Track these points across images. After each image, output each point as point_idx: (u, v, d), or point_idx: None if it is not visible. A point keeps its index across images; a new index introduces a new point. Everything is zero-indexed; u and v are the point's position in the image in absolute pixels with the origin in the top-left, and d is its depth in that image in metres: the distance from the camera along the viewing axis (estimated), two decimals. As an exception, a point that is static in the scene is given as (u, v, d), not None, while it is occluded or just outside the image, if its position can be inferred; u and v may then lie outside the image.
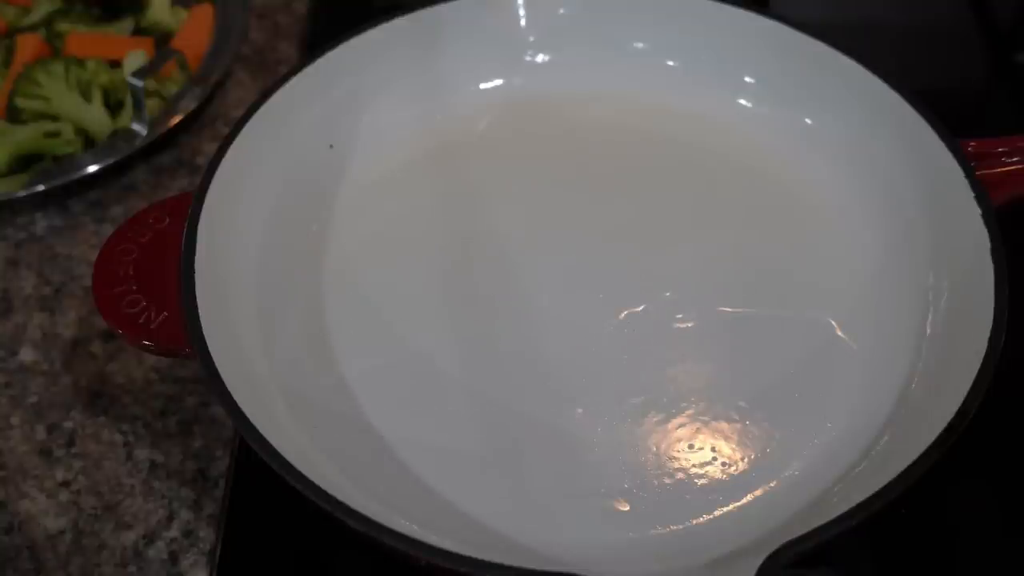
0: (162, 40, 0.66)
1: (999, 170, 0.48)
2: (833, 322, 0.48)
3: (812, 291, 0.50)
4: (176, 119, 0.61)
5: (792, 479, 0.43)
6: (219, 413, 0.50)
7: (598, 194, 0.53)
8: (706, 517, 0.42)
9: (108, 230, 0.58)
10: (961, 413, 0.39)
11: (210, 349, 0.41)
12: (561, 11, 0.58)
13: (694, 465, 0.44)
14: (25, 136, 0.59)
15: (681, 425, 0.45)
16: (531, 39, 0.58)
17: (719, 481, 0.43)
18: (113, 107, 0.62)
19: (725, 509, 0.43)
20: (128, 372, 0.52)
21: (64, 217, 0.59)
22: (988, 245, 0.44)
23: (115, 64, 0.63)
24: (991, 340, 0.41)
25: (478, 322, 0.48)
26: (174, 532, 0.47)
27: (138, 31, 0.67)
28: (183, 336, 0.41)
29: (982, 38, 0.70)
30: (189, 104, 0.62)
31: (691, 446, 0.44)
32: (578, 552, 0.41)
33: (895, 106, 0.50)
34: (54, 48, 0.64)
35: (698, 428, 0.45)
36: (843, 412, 0.45)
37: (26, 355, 0.53)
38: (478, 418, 0.45)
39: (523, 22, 0.58)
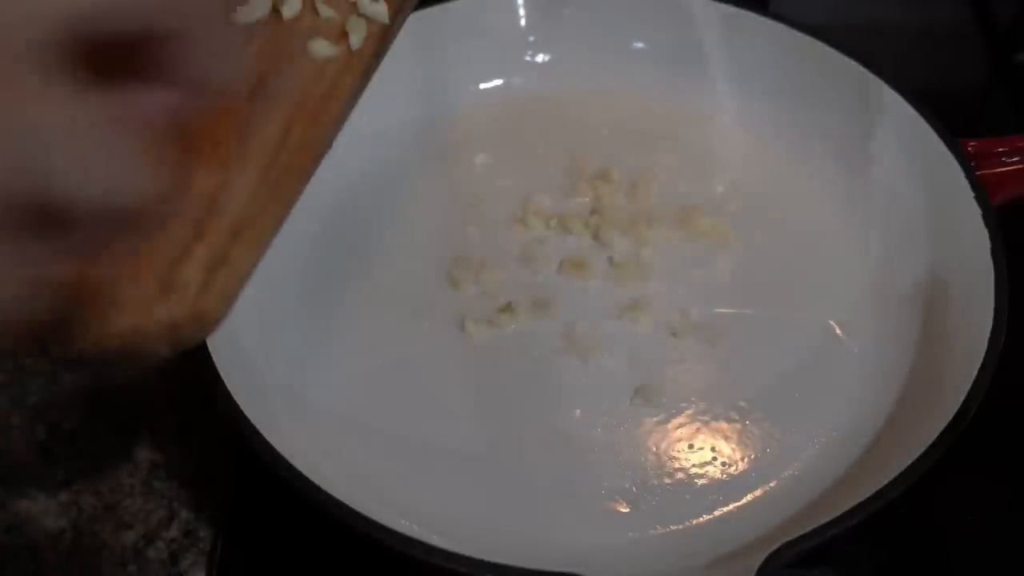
0: (162, 40, 0.66)
1: (999, 170, 0.48)
2: (833, 322, 0.48)
3: (812, 291, 0.50)
4: (176, 119, 0.61)
5: (792, 479, 0.43)
6: (219, 413, 0.50)
7: (598, 194, 0.53)
8: (706, 517, 0.42)
9: (108, 230, 0.58)
10: (961, 413, 0.39)
11: (210, 349, 0.41)
12: (561, 11, 0.58)
13: (694, 465, 0.44)
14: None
15: (681, 425, 0.45)
16: (531, 39, 0.58)
17: (719, 481, 0.43)
18: (113, 107, 0.62)
19: (725, 509, 0.43)
20: (128, 372, 0.52)
21: (64, 217, 0.59)
22: (988, 245, 0.44)
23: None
24: (991, 340, 0.41)
25: (478, 322, 0.48)
26: (174, 532, 0.46)
27: (138, 31, 0.67)
28: (183, 336, 0.41)
29: (982, 38, 0.70)
30: (189, 104, 0.61)
31: (691, 446, 0.44)
32: (578, 552, 0.41)
33: (895, 106, 0.50)
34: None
35: (698, 428, 0.45)
36: (843, 412, 0.45)
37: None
38: (478, 418, 0.45)
39: (523, 22, 0.58)
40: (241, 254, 0.33)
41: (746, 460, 0.44)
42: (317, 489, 0.37)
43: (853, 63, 0.52)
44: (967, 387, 0.40)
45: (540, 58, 0.59)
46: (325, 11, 0.41)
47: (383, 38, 0.41)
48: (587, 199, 0.53)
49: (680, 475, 0.44)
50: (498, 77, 0.58)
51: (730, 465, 0.44)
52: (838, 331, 0.48)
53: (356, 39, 0.40)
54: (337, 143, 0.54)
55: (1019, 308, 0.43)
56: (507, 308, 0.48)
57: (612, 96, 0.58)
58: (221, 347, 0.41)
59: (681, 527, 0.42)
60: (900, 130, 0.50)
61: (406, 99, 0.56)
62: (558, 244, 0.52)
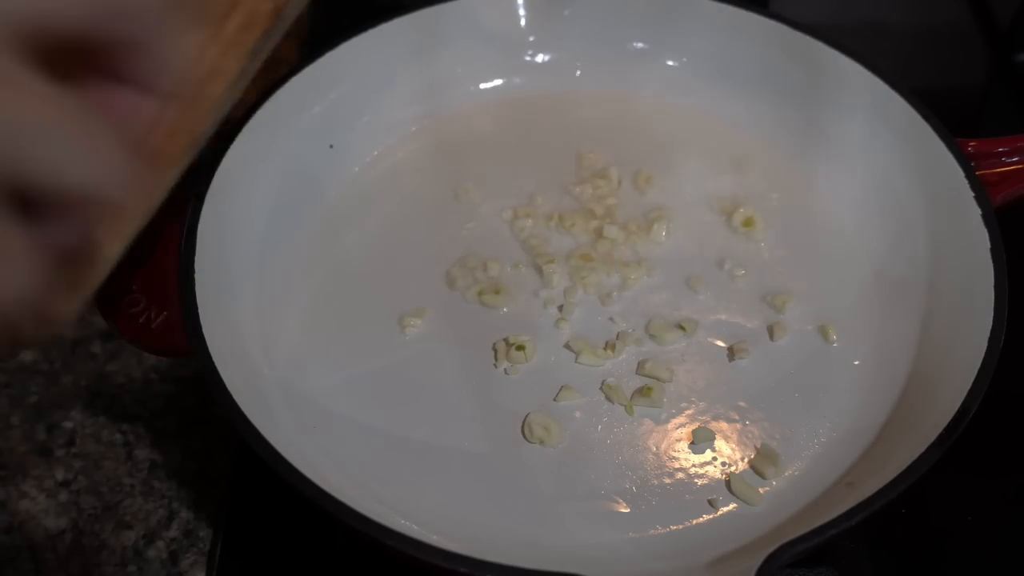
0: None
1: (999, 170, 0.48)
2: (832, 322, 0.48)
3: (811, 291, 0.50)
4: (176, 119, 0.60)
5: (792, 479, 0.43)
6: (219, 413, 0.50)
7: (598, 193, 0.53)
8: (706, 517, 0.42)
9: (108, 230, 0.58)
10: (961, 413, 0.39)
11: (210, 349, 0.41)
12: (561, 11, 0.58)
13: (694, 465, 0.44)
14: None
15: (681, 425, 0.45)
16: (531, 39, 0.58)
17: (719, 481, 0.43)
18: (113, 107, 0.62)
19: (725, 509, 0.43)
20: (128, 372, 0.52)
21: (64, 217, 0.59)
22: (988, 245, 0.44)
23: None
24: (991, 340, 0.41)
25: (477, 322, 0.48)
26: (174, 532, 0.47)
27: (138, 31, 0.67)
28: (183, 336, 0.41)
29: (982, 38, 0.70)
30: (189, 104, 0.61)
31: (691, 446, 0.45)
32: (578, 552, 0.41)
33: (895, 106, 0.50)
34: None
35: (698, 428, 0.45)
36: (843, 412, 0.45)
37: (26, 355, 0.53)
38: (478, 418, 0.45)
39: (523, 22, 0.58)
40: (106, 242, 0.32)
41: (746, 460, 0.44)
42: (317, 489, 0.37)
43: (853, 63, 0.52)
44: (967, 387, 0.40)
45: (540, 58, 0.59)
46: None
47: (270, 18, 0.39)
48: (587, 198, 0.53)
49: (680, 475, 0.44)
50: (498, 77, 0.58)
51: (730, 465, 0.44)
52: (838, 331, 0.48)
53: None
54: (337, 142, 0.55)
55: (1019, 308, 0.43)
56: (506, 305, 0.48)
57: (612, 96, 0.58)
58: (221, 347, 0.41)
59: (681, 527, 0.42)
60: (900, 130, 0.50)
61: (406, 99, 0.56)
62: (558, 243, 0.52)
